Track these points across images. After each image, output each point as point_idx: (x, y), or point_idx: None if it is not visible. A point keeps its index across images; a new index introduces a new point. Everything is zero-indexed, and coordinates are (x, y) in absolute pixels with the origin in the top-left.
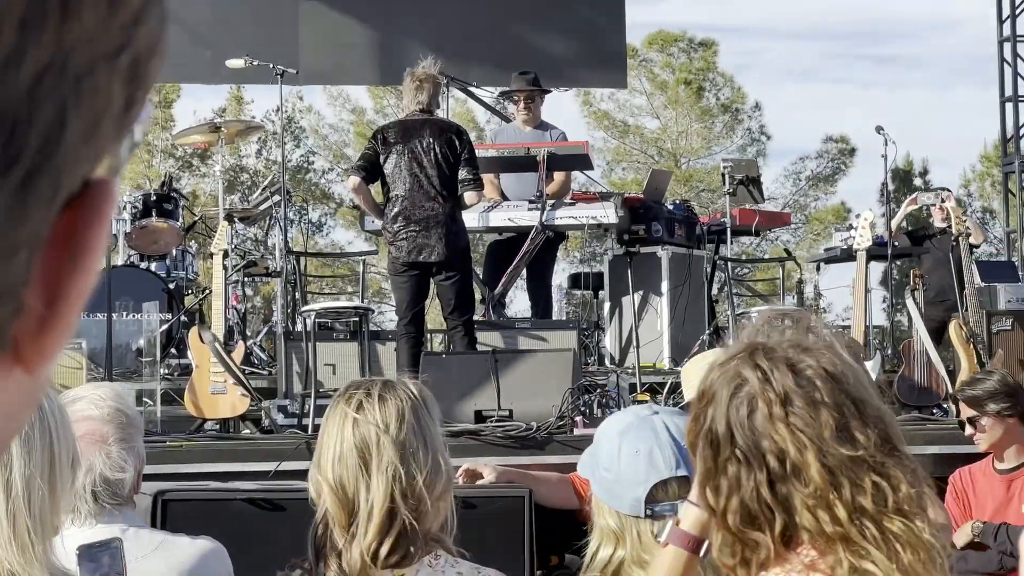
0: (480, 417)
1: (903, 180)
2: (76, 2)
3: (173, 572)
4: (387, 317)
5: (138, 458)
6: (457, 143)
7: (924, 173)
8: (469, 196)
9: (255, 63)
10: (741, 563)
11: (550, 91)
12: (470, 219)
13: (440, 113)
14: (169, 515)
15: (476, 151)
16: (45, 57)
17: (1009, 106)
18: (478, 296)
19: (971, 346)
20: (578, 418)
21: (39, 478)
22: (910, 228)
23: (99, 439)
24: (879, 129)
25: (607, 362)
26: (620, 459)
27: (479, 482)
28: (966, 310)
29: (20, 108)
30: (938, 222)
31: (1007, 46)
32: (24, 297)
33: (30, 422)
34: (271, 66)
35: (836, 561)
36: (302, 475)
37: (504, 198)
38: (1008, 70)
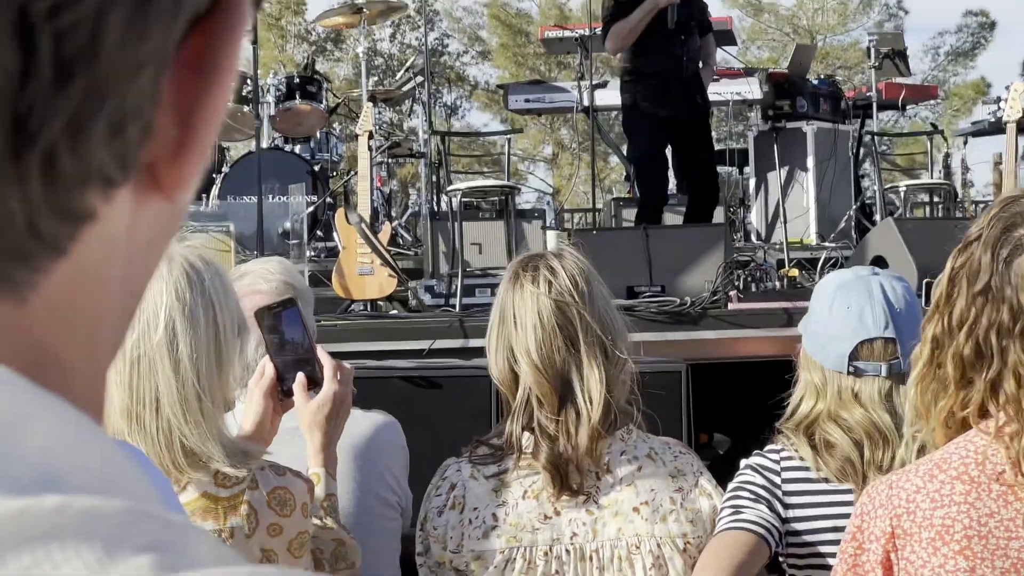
0: (632, 293)
1: None
2: None
3: (349, 443)
4: (526, 198)
5: (309, 328)
6: None
7: None
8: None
9: None
10: (953, 405)
11: None
12: (613, 97)
13: None
14: None
15: None
16: None
17: None
18: (623, 175)
19: None
20: (732, 293)
21: (205, 353)
22: None
23: None
24: None
25: (753, 238)
26: (831, 314)
27: None
28: None
29: None
30: None
31: None
32: (153, 119)
33: (192, 296)
34: None
35: (1017, 431)
36: (456, 353)
37: None
38: None
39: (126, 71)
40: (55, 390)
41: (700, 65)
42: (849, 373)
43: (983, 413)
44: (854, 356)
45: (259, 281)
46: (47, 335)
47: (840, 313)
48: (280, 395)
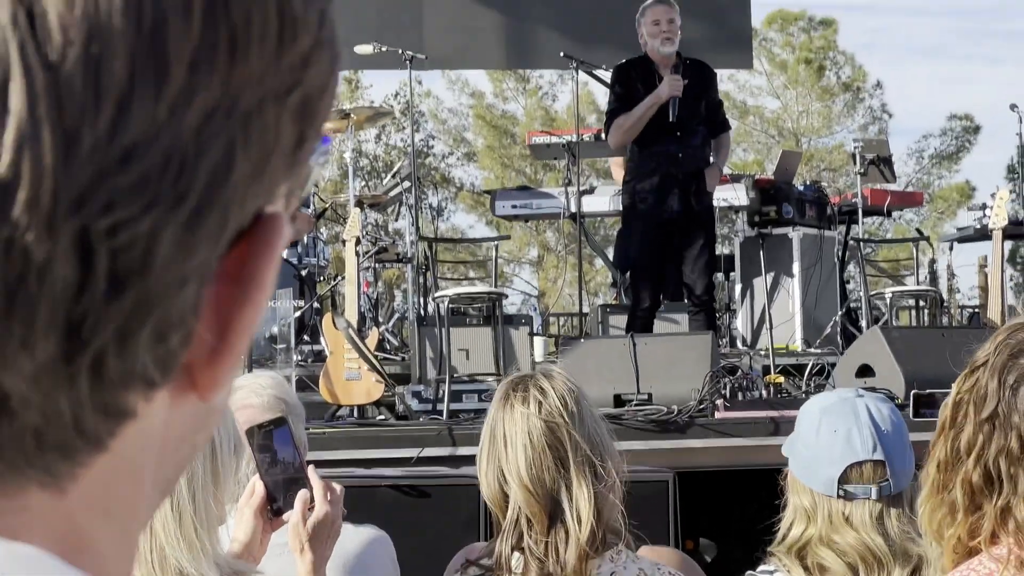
0: (619, 401)
1: None
2: (245, 45)
3: (340, 559)
4: (511, 301)
5: (301, 445)
6: None
7: None
8: None
9: (383, 49)
10: (962, 532)
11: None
12: (600, 203)
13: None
14: None
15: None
16: (214, 98)
17: None
18: (609, 279)
19: None
20: (719, 401)
21: (201, 470)
22: None
23: None
24: (1013, 107)
25: (739, 344)
26: (818, 437)
27: None
28: None
29: (188, 147)
30: None
31: None
32: (194, 327)
33: None
34: (400, 52)
35: None
36: (444, 461)
37: None
38: None
39: (173, 284)
40: (89, 571)
41: (710, 161)
42: (839, 497)
43: (993, 539)
44: (843, 480)
45: (251, 396)
46: (84, 522)
47: (827, 437)
48: (270, 514)
